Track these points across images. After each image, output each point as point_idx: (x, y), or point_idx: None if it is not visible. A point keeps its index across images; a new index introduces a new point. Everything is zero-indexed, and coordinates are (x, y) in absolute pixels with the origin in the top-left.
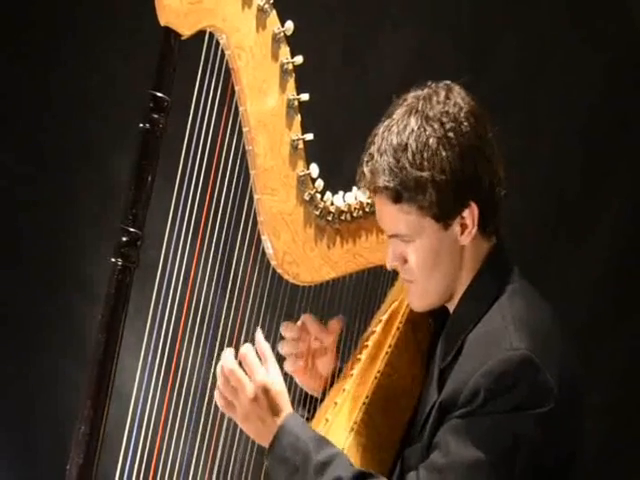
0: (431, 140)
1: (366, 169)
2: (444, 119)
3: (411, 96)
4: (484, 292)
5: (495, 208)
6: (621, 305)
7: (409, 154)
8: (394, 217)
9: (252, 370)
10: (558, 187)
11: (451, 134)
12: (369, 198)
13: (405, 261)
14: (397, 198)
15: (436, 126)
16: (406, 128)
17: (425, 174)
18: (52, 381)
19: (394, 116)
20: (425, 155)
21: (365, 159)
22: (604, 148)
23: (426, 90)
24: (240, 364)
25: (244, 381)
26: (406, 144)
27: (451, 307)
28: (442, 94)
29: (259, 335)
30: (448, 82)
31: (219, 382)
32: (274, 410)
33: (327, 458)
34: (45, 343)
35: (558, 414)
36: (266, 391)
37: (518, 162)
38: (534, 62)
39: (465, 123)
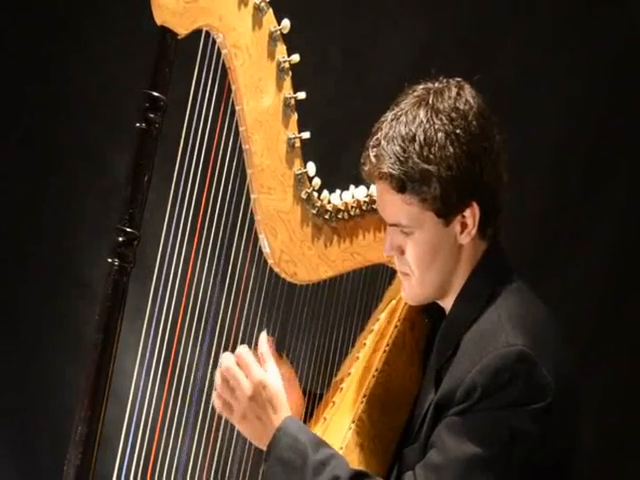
0: (439, 134)
1: (371, 153)
2: (454, 115)
3: (421, 88)
4: (479, 292)
5: (496, 211)
6: (621, 305)
7: (416, 145)
8: (396, 206)
9: (249, 369)
10: (558, 187)
11: (459, 131)
12: (366, 197)
13: (402, 252)
14: (401, 187)
15: (445, 120)
16: (415, 119)
17: (431, 167)
18: (52, 381)
19: (402, 106)
20: (433, 149)
21: (371, 144)
22: (606, 147)
23: (437, 84)
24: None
25: (240, 378)
26: (414, 135)
27: (446, 306)
28: (454, 90)
29: (262, 337)
30: (459, 79)
31: (217, 384)
32: (272, 409)
33: (325, 458)
34: (45, 343)
35: (555, 409)
36: (264, 388)
37: (518, 161)
38: (536, 62)
39: (474, 123)
